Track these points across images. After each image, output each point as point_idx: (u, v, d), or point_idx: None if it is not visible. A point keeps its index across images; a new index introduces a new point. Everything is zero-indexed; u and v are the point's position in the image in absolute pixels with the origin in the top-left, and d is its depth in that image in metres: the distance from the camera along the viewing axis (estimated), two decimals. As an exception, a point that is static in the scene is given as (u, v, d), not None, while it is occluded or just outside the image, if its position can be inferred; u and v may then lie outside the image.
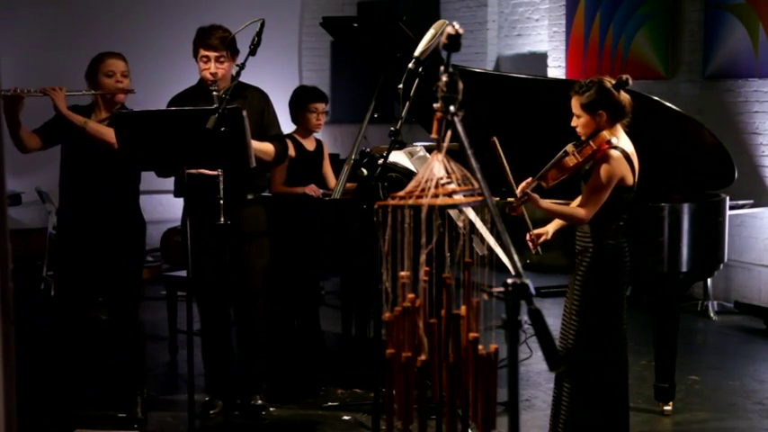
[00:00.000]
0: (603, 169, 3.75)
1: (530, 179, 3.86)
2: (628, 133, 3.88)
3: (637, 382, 5.16)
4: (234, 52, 4.63)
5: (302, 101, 5.57)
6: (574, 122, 3.85)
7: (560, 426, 3.90)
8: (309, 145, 5.64)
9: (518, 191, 3.83)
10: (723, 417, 4.89)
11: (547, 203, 3.84)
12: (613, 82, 3.81)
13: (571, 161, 3.79)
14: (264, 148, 4.58)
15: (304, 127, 5.58)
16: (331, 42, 10.11)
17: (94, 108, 4.67)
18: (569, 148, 3.82)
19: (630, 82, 3.83)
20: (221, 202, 4.25)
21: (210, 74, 4.55)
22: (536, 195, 3.81)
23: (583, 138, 3.84)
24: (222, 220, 4.24)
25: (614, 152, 3.75)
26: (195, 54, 4.64)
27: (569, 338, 3.88)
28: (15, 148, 4.49)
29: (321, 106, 5.58)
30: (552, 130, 4.03)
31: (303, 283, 5.63)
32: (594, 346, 3.86)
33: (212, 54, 4.56)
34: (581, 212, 3.79)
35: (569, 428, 3.87)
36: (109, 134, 4.42)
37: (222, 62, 4.58)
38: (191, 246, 4.13)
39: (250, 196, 4.75)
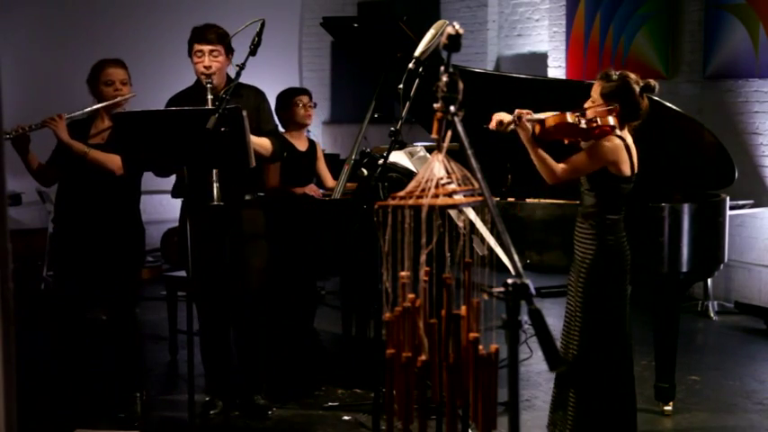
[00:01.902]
0: (597, 144, 3.76)
1: (530, 111, 3.82)
2: (633, 136, 3.88)
3: (637, 382, 5.13)
4: (228, 49, 4.62)
5: (285, 99, 5.57)
6: (587, 104, 3.84)
7: (568, 428, 3.89)
8: (301, 145, 5.63)
9: (515, 113, 3.80)
10: (723, 417, 4.89)
11: (532, 141, 3.81)
12: (641, 84, 3.81)
13: (572, 117, 3.74)
14: (261, 142, 4.57)
15: (293, 123, 5.56)
16: (331, 42, 10.11)
17: (96, 115, 4.68)
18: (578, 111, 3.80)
19: (657, 89, 3.84)
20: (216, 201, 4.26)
21: (204, 67, 4.54)
22: (528, 126, 3.77)
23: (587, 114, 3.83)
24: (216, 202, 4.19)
25: (615, 138, 3.77)
26: (190, 52, 4.64)
27: (573, 337, 3.88)
28: (15, 148, 4.48)
29: (305, 98, 5.59)
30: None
31: (300, 284, 5.64)
32: (599, 344, 3.86)
33: (206, 48, 4.56)
34: (557, 168, 3.79)
35: (577, 429, 3.87)
36: (110, 161, 4.45)
37: (216, 56, 4.57)
38: (192, 247, 4.13)
39: (248, 197, 4.74)
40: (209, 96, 4.35)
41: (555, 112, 3.79)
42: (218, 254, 4.56)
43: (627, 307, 3.91)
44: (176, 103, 4.64)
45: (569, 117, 3.75)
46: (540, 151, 3.83)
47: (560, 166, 3.78)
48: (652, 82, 3.83)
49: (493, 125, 3.85)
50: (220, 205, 4.23)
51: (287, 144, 5.41)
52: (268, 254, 4.84)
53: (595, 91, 3.83)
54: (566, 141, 3.88)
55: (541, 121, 3.78)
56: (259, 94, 4.75)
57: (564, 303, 4.10)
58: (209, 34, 4.56)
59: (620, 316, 3.88)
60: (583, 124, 3.74)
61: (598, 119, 3.74)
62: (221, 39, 4.58)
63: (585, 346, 3.85)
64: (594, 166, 3.76)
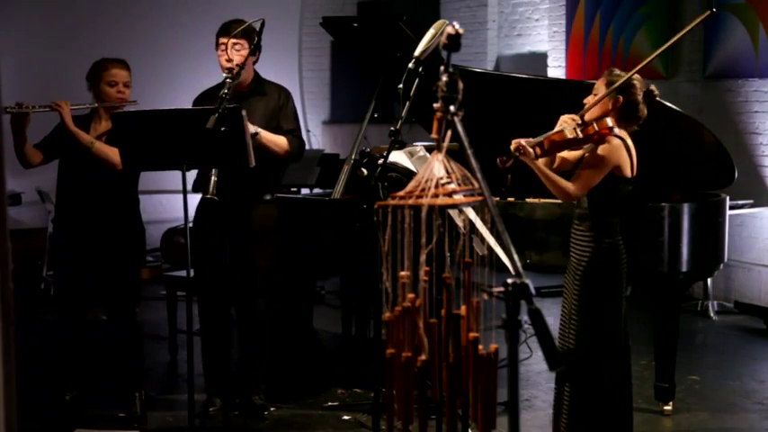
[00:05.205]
0: (600, 150, 3.75)
1: (529, 138, 3.80)
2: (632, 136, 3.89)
3: (637, 382, 5.13)
4: (254, 45, 4.47)
5: None
6: (586, 99, 3.84)
7: (562, 427, 3.90)
8: None
9: (512, 145, 3.78)
10: (723, 417, 4.89)
11: (539, 163, 3.78)
12: (644, 87, 3.83)
13: (571, 133, 3.75)
14: (276, 139, 4.55)
15: None
16: (331, 42, 10.11)
17: (94, 115, 4.67)
18: (572, 122, 3.80)
19: (657, 97, 3.86)
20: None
21: (226, 60, 4.50)
22: (531, 150, 3.73)
23: (585, 116, 3.82)
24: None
25: (614, 138, 3.76)
26: (216, 46, 4.59)
27: (569, 339, 3.88)
28: (11, 126, 4.39)
29: None
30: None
31: (300, 284, 5.64)
32: (595, 345, 3.86)
33: (229, 41, 4.50)
34: (570, 187, 3.76)
35: (572, 430, 3.87)
36: (114, 154, 4.40)
37: (238, 50, 4.51)
38: (196, 245, 4.13)
39: (267, 197, 4.73)
40: (224, 90, 4.13)
41: (555, 131, 3.79)
42: (223, 251, 4.56)
43: (624, 309, 3.90)
44: (203, 101, 4.61)
45: (568, 132, 3.75)
46: (550, 173, 3.80)
47: (572, 185, 3.77)
48: (654, 90, 3.85)
49: (498, 164, 3.80)
50: (214, 198, 4.22)
51: None
52: (277, 255, 4.83)
53: (601, 82, 3.84)
54: (567, 153, 3.87)
55: (540, 143, 3.77)
56: (284, 93, 4.73)
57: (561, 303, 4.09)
58: (233, 28, 4.52)
59: (616, 318, 3.87)
60: (581, 134, 3.75)
61: (595, 124, 3.75)
62: (245, 33, 4.52)
63: (582, 348, 3.84)
64: (603, 173, 3.75)
